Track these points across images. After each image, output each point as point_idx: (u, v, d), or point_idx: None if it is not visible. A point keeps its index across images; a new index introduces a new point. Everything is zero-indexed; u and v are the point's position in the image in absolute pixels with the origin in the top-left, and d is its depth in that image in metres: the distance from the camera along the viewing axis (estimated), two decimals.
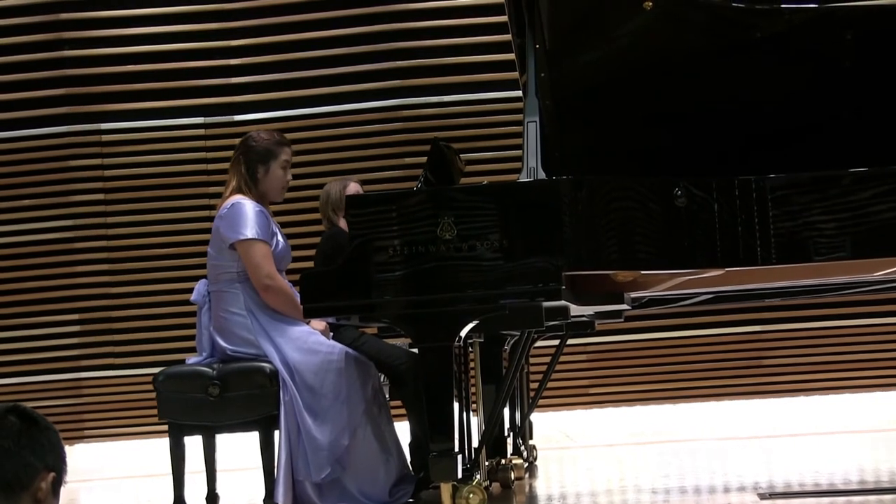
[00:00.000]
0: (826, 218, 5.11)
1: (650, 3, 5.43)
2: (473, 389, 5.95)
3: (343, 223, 6.66)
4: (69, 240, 9.94)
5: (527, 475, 7.02)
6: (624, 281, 5.29)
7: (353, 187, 6.95)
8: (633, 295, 5.99)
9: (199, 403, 5.60)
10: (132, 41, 10.02)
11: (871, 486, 6.15)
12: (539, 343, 7.77)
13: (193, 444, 5.73)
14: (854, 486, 6.17)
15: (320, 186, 9.63)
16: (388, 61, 9.93)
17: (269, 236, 5.74)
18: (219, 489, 5.83)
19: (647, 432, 9.43)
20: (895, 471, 7.02)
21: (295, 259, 6.12)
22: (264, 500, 5.56)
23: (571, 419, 9.62)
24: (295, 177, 6.04)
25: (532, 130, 5.25)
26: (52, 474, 2.67)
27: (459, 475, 5.01)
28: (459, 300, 4.92)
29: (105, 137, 9.97)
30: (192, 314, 6.14)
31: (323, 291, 5.07)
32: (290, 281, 5.79)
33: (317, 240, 7.06)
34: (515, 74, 5.88)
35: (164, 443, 5.74)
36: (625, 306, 5.92)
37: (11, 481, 2.63)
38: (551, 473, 7.67)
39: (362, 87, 9.92)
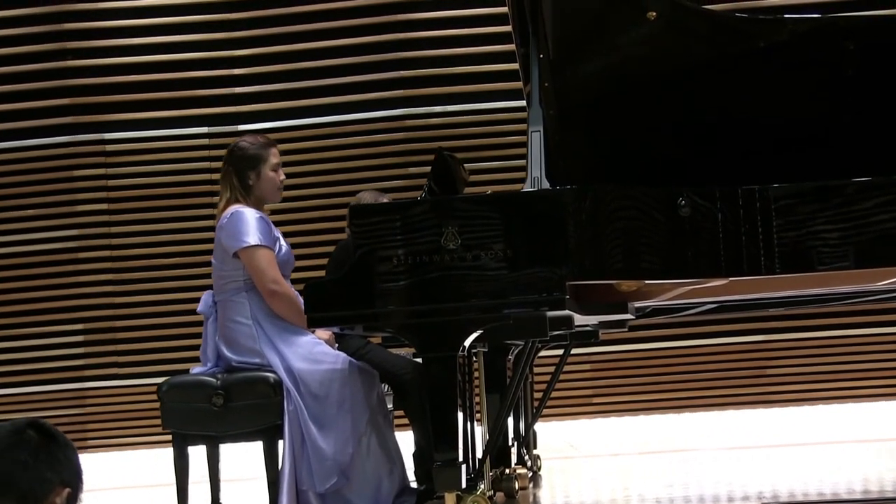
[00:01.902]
0: (829, 227, 5.11)
1: (654, 14, 5.44)
2: (477, 399, 5.95)
3: None
4: (73, 250, 9.95)
5: (531, 485, 7.01)
6: (628, 290, 5.29)
7: None
8: (637, 304, 5.99)
9: (203, 413, 5.60)
10: (136, 51, 10.04)
11: (875, 496, 6.15)
12: (543, 352, 7.76)
13: (197, 454, 5.73)
14: (858, 496, 6.17)
15: (324, 196, 9.67)
16: (392, 71, 9.94)
17: (272, 241, 5.74)
18: (222, 499, 5.84)
19: (651, 442, 9.42)
20: None
21: (299, 268, 6.13)
22: None
23: (575, 429, 9.62)
24: (298, 186, 6.05)
25: (536, 140, 5.26)
26: (67, 490, 2.69)
27: (463, 485, 5.00)
28: (463, 310, 4.92)
29: (109, 147, 9.99)
30: (196, 324, 6.14)
31: (327, 301, 5.07)
32: (294, 289, 5.79)
33: (321, 249, 7.09)
34: (519, 84, 5.89)
35: (167, 453, 5.75)
36: (629, 316, 5.91)
37: (27, 494, 2.65)
38: (555, 483, 7.67)
39: (366, 96, 9.93)
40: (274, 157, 5.89)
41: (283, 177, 5.94)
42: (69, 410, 9.80)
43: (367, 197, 7.02)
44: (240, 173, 5.83)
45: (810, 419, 9.46)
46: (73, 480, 2.73)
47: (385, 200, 6.96)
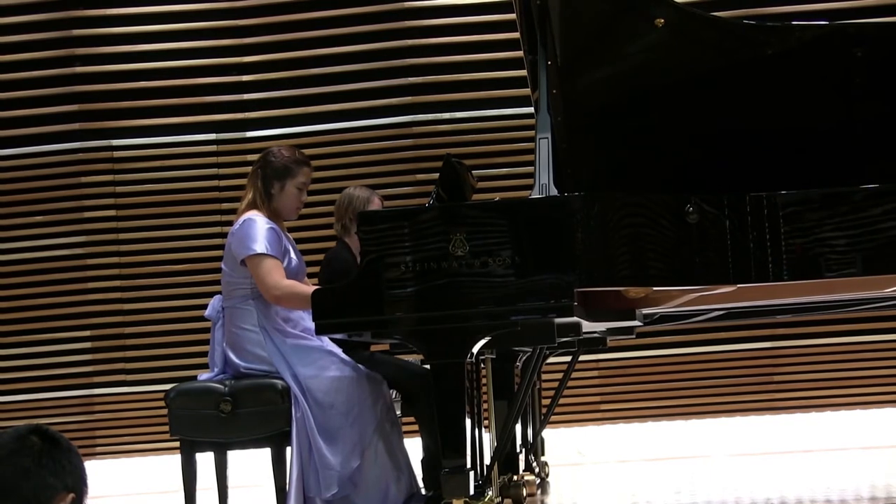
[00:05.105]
0: (837, 234, 5.10)
1: (661, 21, 5.44)
2: (486, 406, 5.95)
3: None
4: (81, 256, 9.95)
5: (539, 491, 7.02)
6: (635, 297, 5.29)
7: (377, 203, 6.90)
8: (645, 311, 5.99)
9: (211, 420, 5.60)
10: (144, 57, 10.05)
11: (882, 503, 6.15)
12: (551, 359, 7.77)
13: (205, 461, 5.73)
14: (865, 503, 6.17)
15: (332, 203, 9.66)
16: (400, 78, 9.95)
17: (281, 253, 5.72)
18: None
19: (658, 448, 9.42)
20: None
21: (309, 275, 6.12)
22: None
23: (583, 435, 9.62)
24: (307, 193, 6.03)
25: (544, 147, 5.26)
26: (71, 495, 2.69)
27: (471, 491, 5.01)
28: (471, 316, 4.92)
29: (117, 154, 9.99)
30: (204, 331, 6.14)
31: (335, 307, 5.07)
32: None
33: None
34: (527, 91, 5.89)
35: (175, 459, 5.75)
36: (636, 322, 5.91)
37: (30, 500, 2.65)
38: (563, 490, 7.67)
39: (374, 103, 9.93)
40: (302, 177, 5.87)
41: (304, 198, 5.92)
42: (76, 417, 9.80)
43: (360, 195, 6.95)
44: (265, 180, 5.83)
45: (817, 426, 9.45)
46: (78, 486, 2.73)
47: (377, 198, 6.94)
